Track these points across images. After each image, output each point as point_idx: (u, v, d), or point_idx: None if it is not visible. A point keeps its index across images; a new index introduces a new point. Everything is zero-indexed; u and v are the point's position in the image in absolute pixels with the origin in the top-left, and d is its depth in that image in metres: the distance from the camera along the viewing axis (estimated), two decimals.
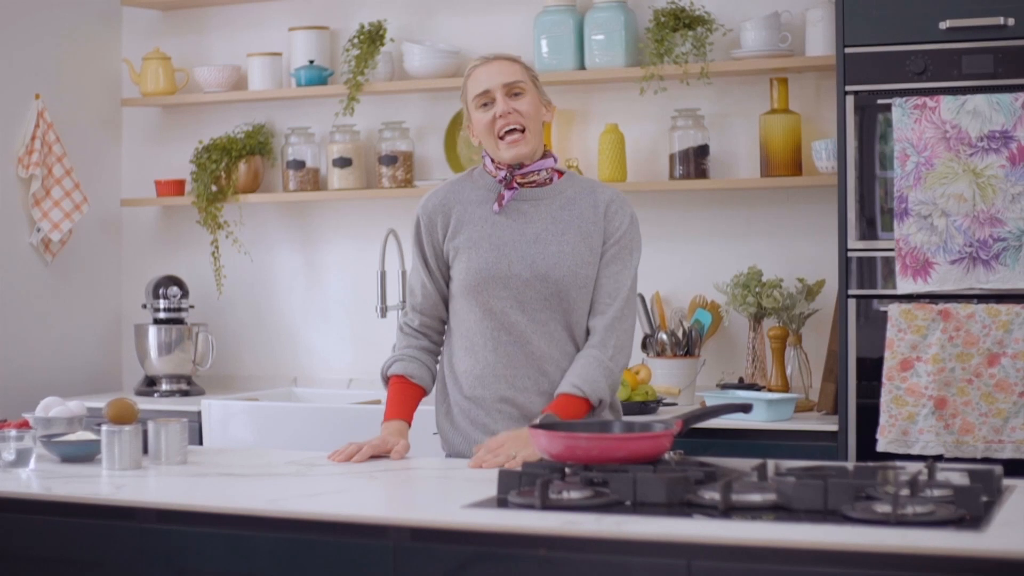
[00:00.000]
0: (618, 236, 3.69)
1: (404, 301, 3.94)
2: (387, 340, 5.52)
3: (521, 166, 3.68)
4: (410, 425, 3.73)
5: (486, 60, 3.70)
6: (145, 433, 3.56)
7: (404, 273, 5.43)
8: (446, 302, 3.78)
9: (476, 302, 3.67)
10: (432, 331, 3.81)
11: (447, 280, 3.76)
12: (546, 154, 3.72)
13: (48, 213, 5.58)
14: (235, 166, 5.70)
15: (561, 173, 3.75)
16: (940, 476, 3.01)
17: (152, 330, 5.59)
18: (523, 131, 3.65)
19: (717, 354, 5.21)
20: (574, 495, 2.88)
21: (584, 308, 3.68)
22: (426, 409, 3.90)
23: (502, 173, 3.69)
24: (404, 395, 3.75)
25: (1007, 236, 4.23)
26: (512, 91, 3.65)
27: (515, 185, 3.69)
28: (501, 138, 3.66)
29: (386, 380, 3.79)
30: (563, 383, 3.62)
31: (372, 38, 5.50)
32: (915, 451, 4.25)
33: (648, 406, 4.75)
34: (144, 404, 4.80)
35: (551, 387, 3.66)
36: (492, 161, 3.72)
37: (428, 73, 5.44)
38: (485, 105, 3.66)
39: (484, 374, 3.69)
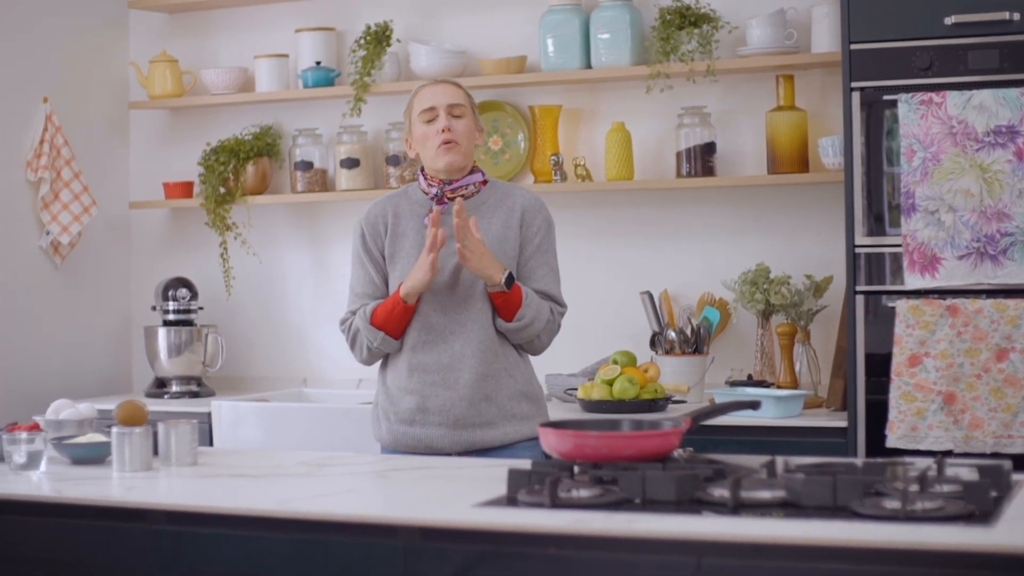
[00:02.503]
0: (537, 241, 4.05)
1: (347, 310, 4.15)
2: None
3: (451, 182, 4.01)
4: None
5: (434, 82, 4.10)
6: (155, 435, 3.57)
7: None
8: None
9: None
10: None
11: (387, 282, 4.07)
12: (474, 170, 4.08)
13: (57, 216, 5.59)
14: (243, 168, 5.71)
15: (486, 183, 4.09)
16: (949, 471, 3.01)
17: (162, 332, 5.60)
18: (457, 143, 4.00)
19: (726, 351, 5.21)
20: (583, 493, 2.88)
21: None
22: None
23: (434, 189, 4.03)
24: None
25: (1014, 231, 4.23)
26: (453, 112, 4.02)
27: (445, 200, 4.01)
28: (438, 146, 3.98)
29: (370, 317, 4.00)
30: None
31: (378, 39, 5.50)
32: (924, 447, 4.25)
33: (657, 404, 4.76)
34: (154, 406, 4.80)
35: (456, 383, 3.95)
36: (425, 179, 4.06)
37: (434, 73, 5.43)
38: (429, 121, 4.02)
39: (400, 371, 4.00)
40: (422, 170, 4.07)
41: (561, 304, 4.08)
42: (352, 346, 4.08)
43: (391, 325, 3.96)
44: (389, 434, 4.01)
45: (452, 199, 3.99)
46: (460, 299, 3.96)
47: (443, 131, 3.98)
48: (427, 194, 4.04)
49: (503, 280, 3.89)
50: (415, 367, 3.97)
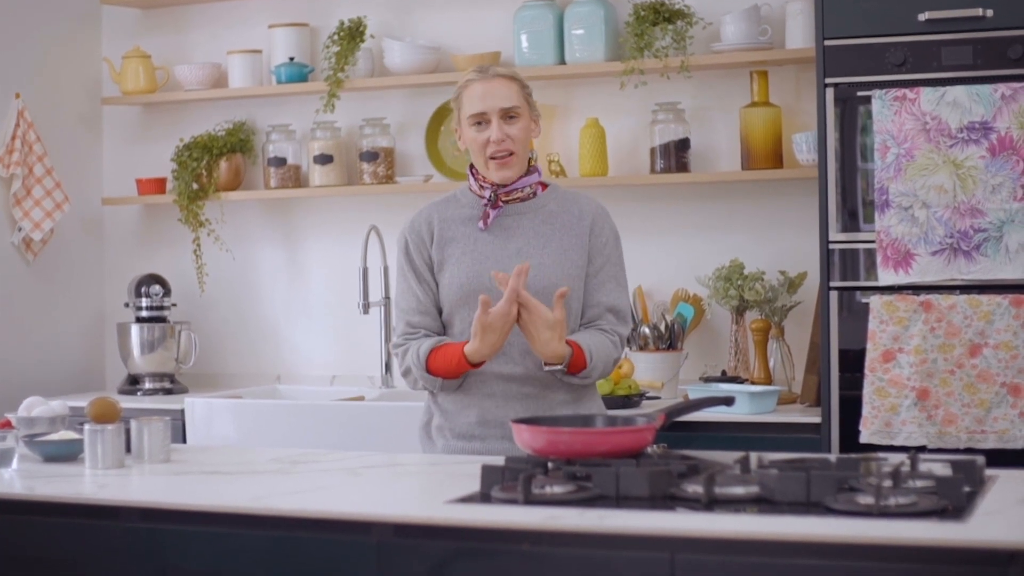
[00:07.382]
0: (607, 252, 3.77)
1: (394, 330, 3.86)
2: (370, 336, 5.53)
3: (505, 185, 3.73)
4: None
5: (485, 76, 3.73)
6: (128, 432, 3.56)
7: (386, 269, 5.43)
8: (440, 311, 3.77)
9: (457, 316, 3.72)
10: (432, 332, 3.77)
11: (433, 291, 3.78)
12: (530, 170, 3.77)
13: (29, 213, 5.57)
14: (216, 164, 5.69)
15: (545, 186, 3.81)
16: (923, 467, 3.02)
17: (135, 329, 5.58)
18: (512, 154, 3.70)
19: (700, 347, 5.21)
20: (557, 490, 2.88)
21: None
22: (415, 405, 3.88)
23: (487, 192, 3.74)
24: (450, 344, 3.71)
25: (988, 227, 4.23)
26: (508, 115, 3.69)
27: (500, 203, 3.74)
28: (492, 157, 3.69)
29: (426, 365, 3.68)
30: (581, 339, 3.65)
31: (352, 35, 5.49)
32: (898, 442, 4.26)
33: (631, 400, 4.76)
34: (127, 403, 4.78)
35: (520, 396, 3.70)
36: (476, 180, 3.76)
37: (408, 69, 5.43)
38: (479, 124, 3.69)
39: (459, 384, 3.72)
40: (472, 168, 3.78)
41: (626, 322, 3.76)
42: (404, 375, 3.75)
43: (451, 376, 3.66)
44: (446, 451, 3.74)
45: (507, 202, 3.73)
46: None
47: (496, 142, 3.67)
48: (480, 197, 3.75)
49: (564, 363, 3.60)
50: (472, 378, 3.70)
